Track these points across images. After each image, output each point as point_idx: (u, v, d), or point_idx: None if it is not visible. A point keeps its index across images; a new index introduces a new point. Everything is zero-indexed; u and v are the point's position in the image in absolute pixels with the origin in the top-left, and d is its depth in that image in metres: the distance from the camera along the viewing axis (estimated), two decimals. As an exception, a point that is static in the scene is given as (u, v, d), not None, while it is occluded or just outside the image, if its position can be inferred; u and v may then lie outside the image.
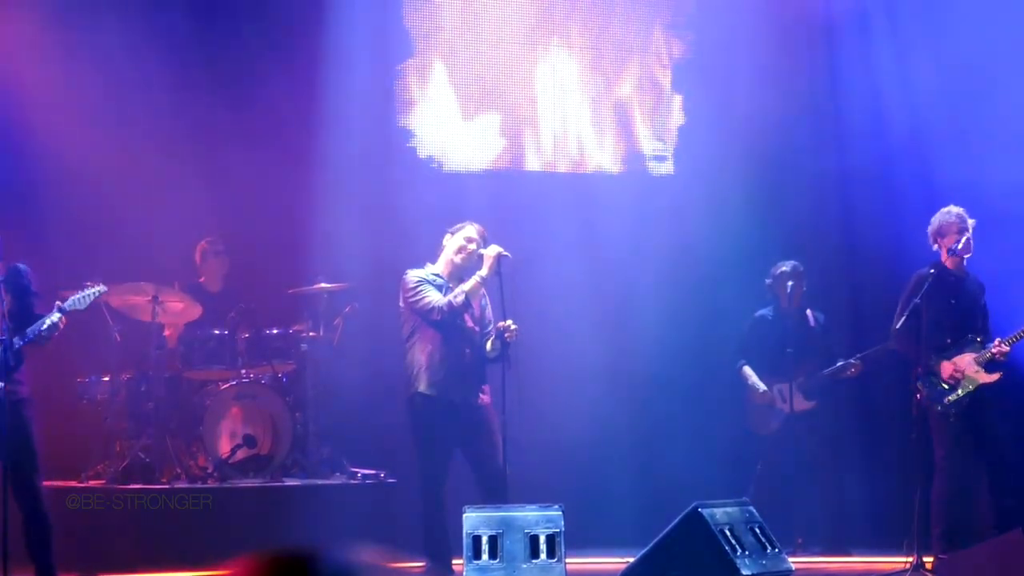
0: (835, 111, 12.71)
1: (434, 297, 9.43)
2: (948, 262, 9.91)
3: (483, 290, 9.59)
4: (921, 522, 9.59)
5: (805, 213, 12.54)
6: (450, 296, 9.44)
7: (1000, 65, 11.92)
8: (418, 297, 9.45)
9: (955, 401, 9.85)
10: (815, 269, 11.93)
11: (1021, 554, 8.66)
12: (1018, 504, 10.17)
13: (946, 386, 9.87)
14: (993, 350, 9.86)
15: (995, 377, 9.92)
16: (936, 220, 9.94)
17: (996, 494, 10.07)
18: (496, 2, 12.74)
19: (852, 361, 11.42)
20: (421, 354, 9.48)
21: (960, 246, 9.83)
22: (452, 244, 9.62)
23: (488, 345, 9.55)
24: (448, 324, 9.44)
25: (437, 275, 9.57)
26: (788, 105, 12.40)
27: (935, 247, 9.96)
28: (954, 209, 9.90)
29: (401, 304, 9.60)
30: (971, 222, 9.88)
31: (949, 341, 9.91)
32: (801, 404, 11.47)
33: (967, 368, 9.87)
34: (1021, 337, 9.87)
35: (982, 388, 9.90)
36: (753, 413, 11.72)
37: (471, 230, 9.61)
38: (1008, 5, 12.16)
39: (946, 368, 9.86)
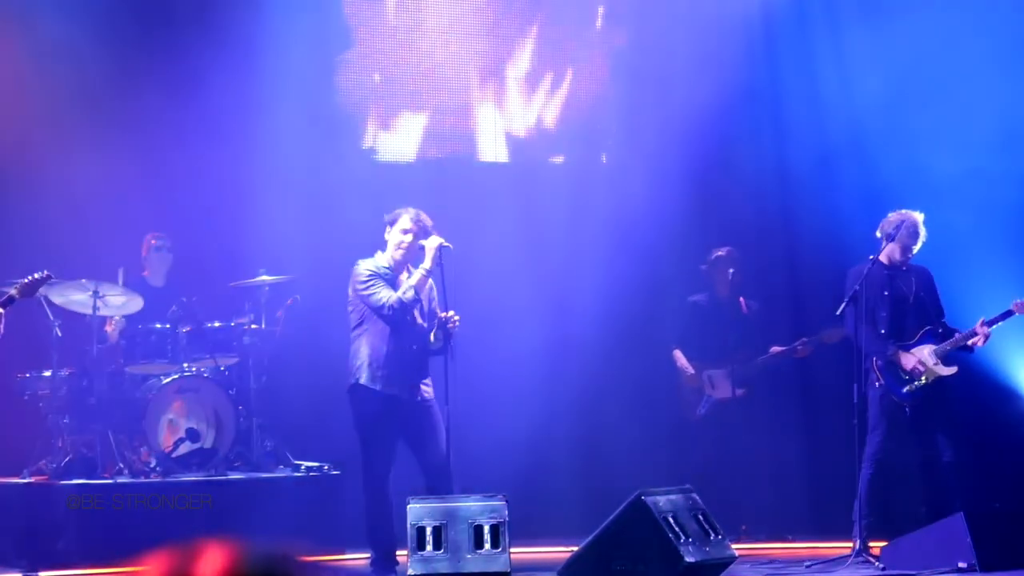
0: (774, 102, 12.73)
1: (385, 294, 9.35)
2: (885, 257, 9.93)
3: (431, 282, 9.54)
4: (863, 507, 9.66)
5: (743, 200, 12.57)
6: (399, 293, 9.37)
7: (937, 62, 11.95)
8: (370, 292, 9.37)
9: (912, 392, 9.85)
10: (753, 256, 11.98)
11: (963, 537, 8.74)
12: (928, 512, 10.11)
13: (906, 376, 9.88)
14: (969, 342, 9.90)
15: (952, 370, 9.93)
16: (894, 220, 9.90)
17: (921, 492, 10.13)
18: (435, -7, 12.75)
19: (797, 346, 11.46)
20: (366, 346, 9.43)
21: (902, 248, 9.88)
22: (392, 238, 9.52)
23: (432, 336, 9.52)
24: (398, 319, 9.40)
25: (387, 268, 9.49)
26: (727, 96, 12.42)
27: (884, 243, 9.89)
28: (917, 216, 9.90)
29: (350, 293, 9.52)
30: (923, 232, 9.91)
31: (884, 331, 9.91)
32: (731, 392, 11.51)
33: (926, 360, 9.87)
34: (994, 324, 9.91)
35: (942, 384, 9.91)
36: (684, 398, 11.77)
37: (406, 220, 9.48)
38: (946, 2, 12.21)
39: (908, 360, 9.85)
